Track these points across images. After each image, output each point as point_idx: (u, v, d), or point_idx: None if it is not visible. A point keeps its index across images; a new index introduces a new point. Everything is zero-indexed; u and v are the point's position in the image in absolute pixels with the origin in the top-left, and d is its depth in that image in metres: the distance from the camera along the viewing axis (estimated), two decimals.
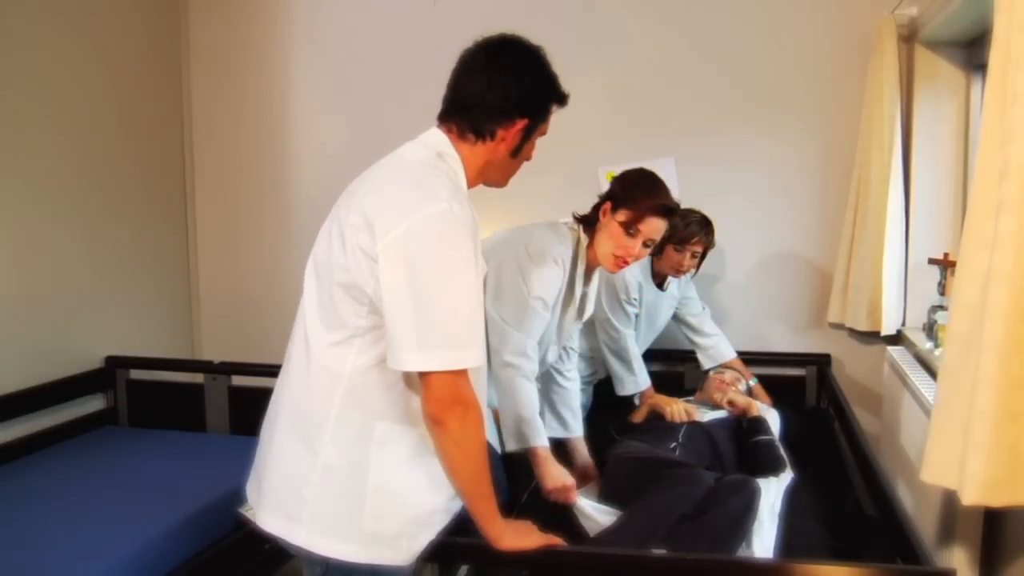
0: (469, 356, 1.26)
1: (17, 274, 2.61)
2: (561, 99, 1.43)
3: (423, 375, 1.25)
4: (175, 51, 3.36)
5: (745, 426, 2.30)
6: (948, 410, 1.44)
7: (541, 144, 1.49)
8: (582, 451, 2.21)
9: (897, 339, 2.77)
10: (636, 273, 2.61)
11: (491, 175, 1.44)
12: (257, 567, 2.25)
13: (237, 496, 2.24)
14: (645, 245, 1.95)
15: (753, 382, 2.74)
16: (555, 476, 1.90)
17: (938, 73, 2.67)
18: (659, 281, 2.71)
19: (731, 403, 2.39)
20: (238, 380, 2.91)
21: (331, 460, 1.31)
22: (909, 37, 2.72)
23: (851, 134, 2.82)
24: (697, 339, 2.83)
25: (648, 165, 2.42)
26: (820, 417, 2.80)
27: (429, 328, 1.23)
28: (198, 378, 2.97)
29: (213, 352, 3.43)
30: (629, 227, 1.92)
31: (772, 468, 2.14)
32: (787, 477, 2.14)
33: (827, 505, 2.06)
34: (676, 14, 2.98)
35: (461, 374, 1.26)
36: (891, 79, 2.63)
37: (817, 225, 2.96)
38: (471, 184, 1.41)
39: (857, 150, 2.78)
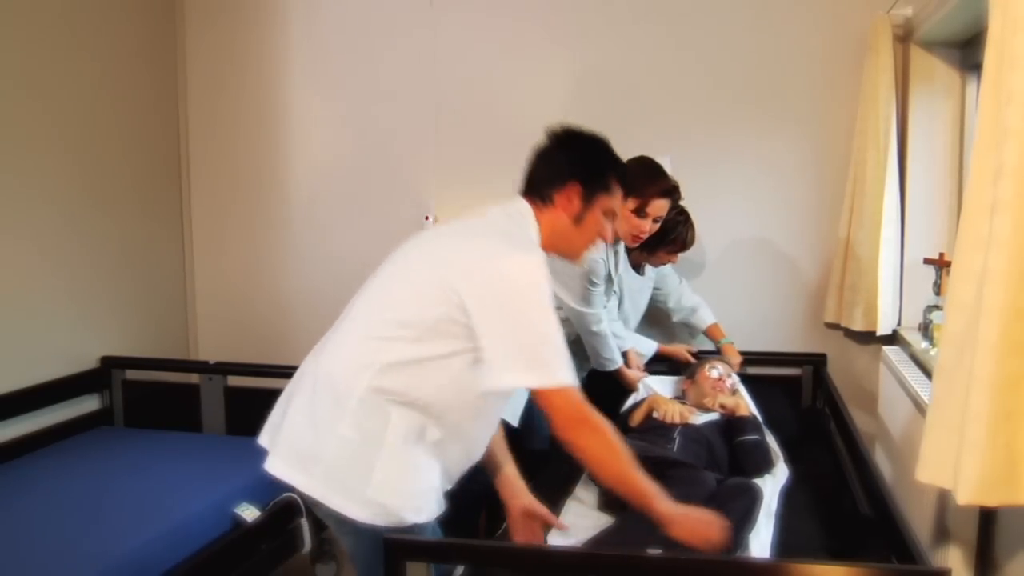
0: (569, 375, 1.42)
1: (12, 274, 2.60)
2: (617, 168, 1.62)
3: (544, 398, 1.41)
4: (171, 54, 3.35)
5: (732, 426, 2.30)
6: (943, 410, 1.44)
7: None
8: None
9: (893, 339, 2.78)
10: (610, 260, 2.64)
11: (558, 243, 1.60)
12: (254, 567, 2.25)
13: (233, 496, 2.25)
14: (655, 221, 2.39)
15: (725, 341, 2.82)
16: (631, 376, 2.63)
17: (933, 73, 2.67)
18: (635, 264, 2.75)
19: (722, 406, 2.40)
20: (234, 380, 2.91)
21: (348, 433, 1.45)
22: (904, 37, 2.73)
23: (846, 134, 2.83)
24: (678, 310, 2.90)
25: None
26: (816, 417, 2.80)
27: (533, 350, 1.41)
28: (194, 378, 2.97)
29: (209, 352, 3.42)
30: (639, 212, 2.35)
31: (760, 468, 2.13)
32: (783, 477, 2.14)
33: (823, 505, 2.06)
34: (671, 13, 2.97)
35: (576, 392, 1.42)
36: (886, 79, 2.64)
37: (813, 225, 2.97)
38: (544, 249, 1.56)
39: (853, 150, 2.79)
